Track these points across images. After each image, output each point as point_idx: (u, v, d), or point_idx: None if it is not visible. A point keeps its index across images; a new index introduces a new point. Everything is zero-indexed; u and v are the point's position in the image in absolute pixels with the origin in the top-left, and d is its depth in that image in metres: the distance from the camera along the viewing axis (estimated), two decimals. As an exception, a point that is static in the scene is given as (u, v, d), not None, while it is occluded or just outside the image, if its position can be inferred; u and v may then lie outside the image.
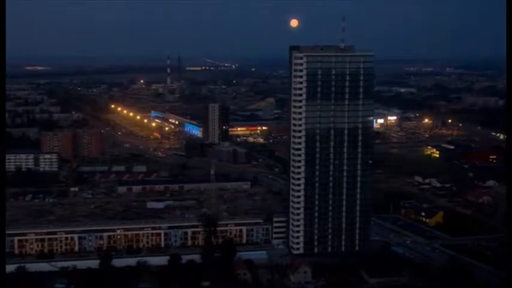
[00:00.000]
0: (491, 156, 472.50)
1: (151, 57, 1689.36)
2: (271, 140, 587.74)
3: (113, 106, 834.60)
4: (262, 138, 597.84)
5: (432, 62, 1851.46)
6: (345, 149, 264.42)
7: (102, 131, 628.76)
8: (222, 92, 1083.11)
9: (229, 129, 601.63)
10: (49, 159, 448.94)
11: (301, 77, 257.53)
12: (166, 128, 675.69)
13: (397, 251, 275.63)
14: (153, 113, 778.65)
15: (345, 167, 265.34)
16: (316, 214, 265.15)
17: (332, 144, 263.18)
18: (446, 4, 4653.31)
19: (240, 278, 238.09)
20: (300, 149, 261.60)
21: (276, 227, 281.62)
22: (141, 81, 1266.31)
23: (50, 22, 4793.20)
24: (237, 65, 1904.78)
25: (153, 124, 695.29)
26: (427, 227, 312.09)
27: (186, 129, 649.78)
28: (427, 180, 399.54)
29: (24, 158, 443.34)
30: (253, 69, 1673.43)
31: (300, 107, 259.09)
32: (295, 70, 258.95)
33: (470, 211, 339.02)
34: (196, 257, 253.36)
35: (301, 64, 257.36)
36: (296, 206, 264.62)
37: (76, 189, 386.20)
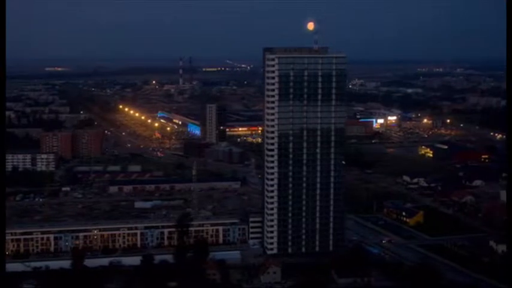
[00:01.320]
0: (483, 156, 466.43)
1: (171, 58, 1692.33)
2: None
3: (121, 107, 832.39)
4: (261, 138, 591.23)
5: (443, 63, 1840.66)
6: (318, 150, 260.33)
7: (107, 131, 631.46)
8: (232, 92, 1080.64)
9: (231, 129, 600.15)
10: (46, 159, 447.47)
11: (273, 78, 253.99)
12: (168, 128, 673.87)
13: (371, 251, 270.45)
14: (159, 114, 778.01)
15: (318, 168, 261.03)
16: (290, 214, 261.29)
17: (305, 144, 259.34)
18: (460, 5, 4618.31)
19: (209, 278, 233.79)
20: (272, 150, 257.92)
21: (253, 227, 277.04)
22: (153, 82, 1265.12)
23: (71, 24, 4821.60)
24: (252, 66, 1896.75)
25: (156, 124, 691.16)
26: (407, 227, 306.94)
27: (189, 130, 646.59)
28: (415, 180, 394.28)
29: (21, 158, 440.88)
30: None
31: (273, 108, 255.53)
32: (268, 71, 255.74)
33: (452, 211, 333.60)
34: (170, 257, 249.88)
35: (273, 65, 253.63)
36: (270, 206, 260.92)
37: (68, 189, 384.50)
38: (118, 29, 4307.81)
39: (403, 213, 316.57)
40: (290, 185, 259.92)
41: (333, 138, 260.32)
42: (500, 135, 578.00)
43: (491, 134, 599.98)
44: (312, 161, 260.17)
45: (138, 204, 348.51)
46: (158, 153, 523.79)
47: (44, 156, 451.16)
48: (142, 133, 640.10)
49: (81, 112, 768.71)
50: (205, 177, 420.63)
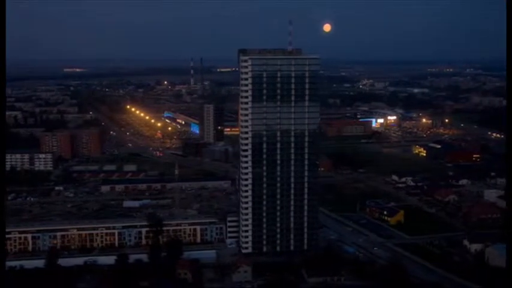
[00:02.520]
0: (475, 155, 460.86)
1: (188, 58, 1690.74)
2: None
3: (128, 107, 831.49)
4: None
5: (454, 63, 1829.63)
6: (292, 150, 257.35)
7: (112, 131, 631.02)
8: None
9: (232, 129, 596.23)
10: (44, 158, 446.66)
11: (246, 79, 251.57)
12: (169, 128, 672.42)
13: (347, 250, 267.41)
14: (165, 114, 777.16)
15: (292, 168, 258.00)
16: (264, 214, 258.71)
17: (279, 145, 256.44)
18: (475, 6, 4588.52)
19: (180, 278, 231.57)
20: (246, 150, 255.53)
21: (230, 226, 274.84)
22: (165, 82, 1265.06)
23: (90, 25, 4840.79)
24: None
25: (159, 124, 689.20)
26: (387, 226, 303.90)
27: (192, 129, 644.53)
28: (403, 179, 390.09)
29: (19, 158, 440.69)
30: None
31: (246, 108, 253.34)
32: (242, 73, 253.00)
33: (435, 210, 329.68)
34: (145, 257, 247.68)
35: (246, 67, 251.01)
36: (244, 206, 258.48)
37: (61, 188, 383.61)
38: (140, 29, 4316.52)
39: (385, 213, 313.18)
40: (264, 185, 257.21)
41: (306, 138, 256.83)
42: (496, 135, 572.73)
43: (489, 133, 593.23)
44: (286, 161, 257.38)
45: (127, 204, 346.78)
46: (157, 152, 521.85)
47: (41, 156, 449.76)
48: (146, 133, 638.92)
49: (90, 112, 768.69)
50: (198, 176, 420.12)
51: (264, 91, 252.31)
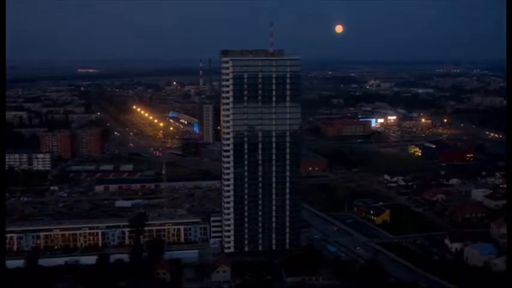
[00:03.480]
0: (468, 155, 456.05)
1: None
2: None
3: (134, 107, 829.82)
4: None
5: (461, 64, 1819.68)
6: (274, 150, 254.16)
7: (116, 131, 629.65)
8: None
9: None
10: (42, 158, 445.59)
11: (227, 80, 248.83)
12: (171, 128, 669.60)
13: (329, 250, 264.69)
14: (170, 114, 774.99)
15: (274, 168, 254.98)
16: (246, 214, 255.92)
17: (260, 145, 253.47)
18: (484, 6, 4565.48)
19: (158, 278, 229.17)
20: (228, 151, 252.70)
21: (214, 226, 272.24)
22: (174, 83, 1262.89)
23: (106, 27, 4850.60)
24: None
25: (161, 124, 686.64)
26: (373, 225, 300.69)
27: (194, 129, 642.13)
28: (394, 179, 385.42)
29: (18, 158, 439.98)
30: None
31: (228, 109, 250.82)
32: (223, 74, 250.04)
33: (422, 209, 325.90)
34: (127, 257, 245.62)
35: (227, 68, 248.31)
36: (226, 206, 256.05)
37: (56, 188, 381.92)
38: (152, 30, 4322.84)
39: (371, 212, 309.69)
40: (246, 185, 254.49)
41: (288, 139, 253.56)
42: (494, 135, 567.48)
43: (486, 133, 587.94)
44: (268, 161, 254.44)
45: (119, 203, 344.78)
46: (157, 152, 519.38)
47: (40, 156, 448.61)
48: (149, 133, 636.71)
49: (98, 113, 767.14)
50: (194, 176, 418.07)
51: (245, 92, 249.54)
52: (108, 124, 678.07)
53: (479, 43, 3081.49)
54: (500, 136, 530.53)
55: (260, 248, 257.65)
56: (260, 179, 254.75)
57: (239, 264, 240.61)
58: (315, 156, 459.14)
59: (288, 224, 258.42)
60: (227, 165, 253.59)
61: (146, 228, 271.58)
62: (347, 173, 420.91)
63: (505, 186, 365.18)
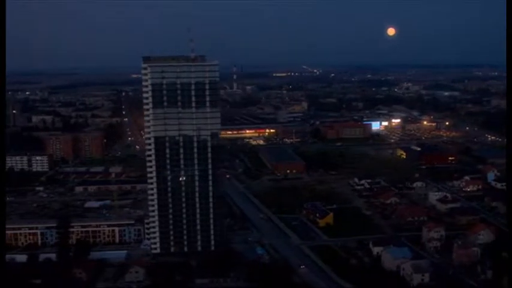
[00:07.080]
0: (450, 158, 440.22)
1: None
2: (269, 142, 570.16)
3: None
4: (263, 140, 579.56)
5: (498, 67, 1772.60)
6: (195, 155, 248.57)
7: (130, 134, 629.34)
8: (274, 96, 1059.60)
9: (239, 132, 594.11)
10: (40, 160, 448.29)
11: (146, 86, 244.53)
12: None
13: (257, 252, 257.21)
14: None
15: (196, 172, 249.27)
16: (171, 216, 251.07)
17: (182, 150, 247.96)
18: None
19: (74, 277, 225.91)
20: (150, 155, 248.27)
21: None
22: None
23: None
24: (320, 71, 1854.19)
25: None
26: (315, 228, 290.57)
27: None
28: (362, 182, 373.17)
29: (18, 160, 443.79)
30: (332, 75, 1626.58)
31: (148, 115, 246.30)
32: (143, 80, 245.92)
33: (372, 212, 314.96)
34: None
35: (146, 74, 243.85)
36: (151, 208, 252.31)
37: (41, 188, 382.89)
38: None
39: (317, 214, 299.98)
40: (169, 189, 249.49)
41: (209, 143, 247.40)
42: (492, 137, 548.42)
43: (486, 135, 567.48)
44: (190, 165, 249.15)
45: (89, 204, 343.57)
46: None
47: (38, 157, 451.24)
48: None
49: (125, 119, 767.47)
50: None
51: (164, 97, 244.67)
52: (124, 127, 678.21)
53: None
54: (499, 139, 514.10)
55: (186, 249, 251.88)
56: (183, 182, 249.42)
57: (160, 265, 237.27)
58: (297, 159, 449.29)
59: (212, 226, 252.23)
60: (150, 169, 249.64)
61: (83, 229, 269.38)
62: (323, 176, 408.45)
63: (478, 187, 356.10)
